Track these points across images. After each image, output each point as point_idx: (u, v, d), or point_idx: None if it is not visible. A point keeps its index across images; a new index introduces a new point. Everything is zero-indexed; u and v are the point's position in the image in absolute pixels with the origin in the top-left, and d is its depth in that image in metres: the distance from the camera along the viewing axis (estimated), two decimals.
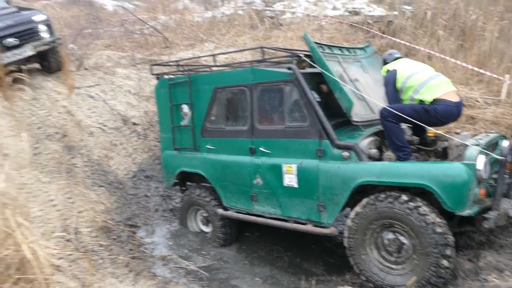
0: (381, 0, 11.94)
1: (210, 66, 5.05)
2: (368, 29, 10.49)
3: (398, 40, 9.52)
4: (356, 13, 11.34)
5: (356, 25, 10.70)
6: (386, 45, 9.59)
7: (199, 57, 7.01)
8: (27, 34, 6.39)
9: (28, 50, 6.32)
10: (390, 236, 3.42)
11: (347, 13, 11.38)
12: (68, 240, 4.56)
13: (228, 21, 11.52)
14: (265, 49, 4.46)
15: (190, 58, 6.50)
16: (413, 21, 10.60)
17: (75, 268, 4.06)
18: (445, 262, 3.09)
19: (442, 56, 8.09)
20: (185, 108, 4.97)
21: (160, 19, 12.27)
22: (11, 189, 3.53)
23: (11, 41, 6.06)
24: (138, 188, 5.95)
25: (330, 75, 3.75)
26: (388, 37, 9.97)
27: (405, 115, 3.49)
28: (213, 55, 5.00)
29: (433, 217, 3.16)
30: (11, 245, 3.08)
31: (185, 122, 5.00)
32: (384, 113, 3.61)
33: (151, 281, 4.09)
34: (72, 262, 4.18)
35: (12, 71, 5.63)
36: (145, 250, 4.80)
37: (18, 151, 5.87)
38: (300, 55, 4.12)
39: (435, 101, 3.56)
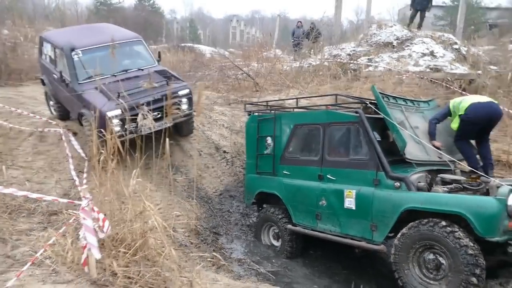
0: (465, 59, 12.35)
1: (293, 108, 6.13)
2: (448, 85, 10.89)
3: None
4: (437, 70, 11.80)
5: (436, 81, 11.18)
6: None
7: (284, 99, 8.19)
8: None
9: (167, 122, 6.39)
10: (431, 256, 4.03)
11: (429, 70, 11.89)
12: (167, 235, 5.77)
13: (313, 71, 12.72)
14: (339, 96, 5.45)
15: (277, 100, 7.67)
16: (496, 80, 10.81)
17: (172, 256, 5.19)
18: (474, 280, 3.64)
19: None
20: (269, 140, 6.06)
21: (253, 66, 13.89)
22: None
23: (155, 114, 6.28)
24: (223, 204, 7.11)
25: (389, 119, 4.59)
26: (468, 94, 10.29)
27: None
28: (296, 98, 6.08)
29: (466, 241, 3.75)
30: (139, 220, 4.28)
31: (268, 151, 6.07)
32: None
33: (229, 274, 5.06)
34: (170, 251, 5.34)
35: None
36: (225, 253, 5.82)
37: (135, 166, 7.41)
38: (367, 102, 5.03)
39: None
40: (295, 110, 6.12)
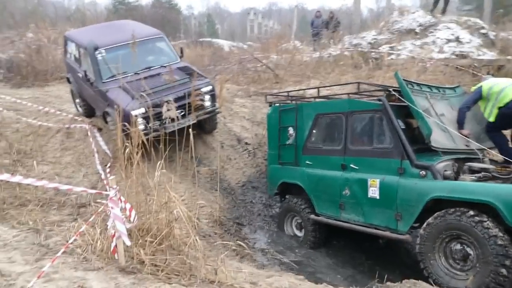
0: (493, 44, 11.93)
1: (314, 98, 6.09)
2: (475, 72, 10.55)
3: None
4: (464, 56, 11.43)
5: (462, 68, 10.84)
6: None
7: (305, 89, 8.13)
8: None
9: (191, 120, 6.33)
10: (458, 246, 3.95)
11: (454, 57, 11.53)
12: (192, 225, 5.86)
13: (334, 61, 12.55)
14: (361, 84, 5.38)
15: (298, 90, 7.63)
16: None
17: (197, 245, 5.28)
18: (503, 271, 3.55)
19: None
20: (291, 130, 6.05)
21: (272, 58, 13.83)
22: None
23: (178, 112, 6.04)
24: (246, 195, 7.16)
25: (413, 106, 4.51)
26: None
27: None
28: (318, 88, 6.03)
29: (496, 231, 3.65)
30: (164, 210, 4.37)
31: (290, 141, 6.06)
32: None
33: (252, 263, 5.11)
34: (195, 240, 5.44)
35: None
36: (248, 243, 5.86)
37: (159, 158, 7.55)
38: (390, 89, 4.95)
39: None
40: (317, 99, 6.08)
